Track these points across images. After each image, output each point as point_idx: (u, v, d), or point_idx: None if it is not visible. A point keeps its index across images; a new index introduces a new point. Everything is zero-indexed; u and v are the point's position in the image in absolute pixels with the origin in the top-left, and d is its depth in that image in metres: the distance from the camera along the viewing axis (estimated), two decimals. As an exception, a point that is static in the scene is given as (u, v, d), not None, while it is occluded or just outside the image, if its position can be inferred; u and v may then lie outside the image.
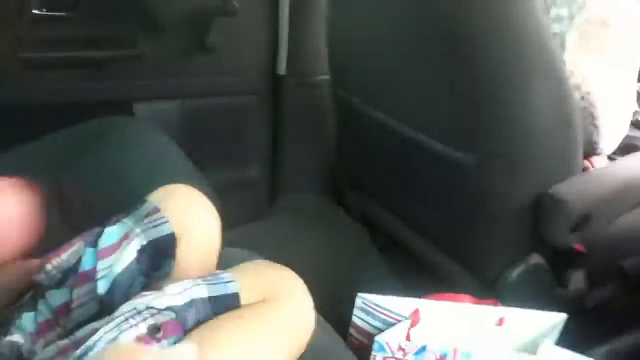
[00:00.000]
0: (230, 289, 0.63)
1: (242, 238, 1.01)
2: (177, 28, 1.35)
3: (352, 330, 0.93)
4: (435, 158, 1.07)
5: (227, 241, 0.83)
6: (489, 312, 0.88)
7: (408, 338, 0.85)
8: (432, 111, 1.07)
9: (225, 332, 0.58)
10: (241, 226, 1.46)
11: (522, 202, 0.99)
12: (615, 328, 1.11)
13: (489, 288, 1.03)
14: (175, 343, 0.56)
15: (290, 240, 1.35)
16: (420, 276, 1.19)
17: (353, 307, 0.93)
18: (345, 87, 1.33)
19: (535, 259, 1.02)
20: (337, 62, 1.36)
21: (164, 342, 0.56)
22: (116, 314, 0.57)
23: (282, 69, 1.48)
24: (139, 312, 0.56)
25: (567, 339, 0.94)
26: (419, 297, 0.93)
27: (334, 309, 0.88)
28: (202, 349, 0.54)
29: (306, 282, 0.69)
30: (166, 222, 0.73)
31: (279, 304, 0.63)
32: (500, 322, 0.87)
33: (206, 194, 0.92)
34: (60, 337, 0.61)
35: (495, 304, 0.90)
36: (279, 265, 0.70)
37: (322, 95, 1.46)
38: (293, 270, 0.70)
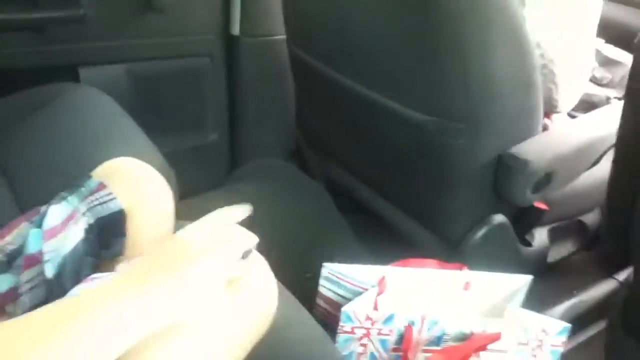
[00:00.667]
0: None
1: (201, 207, 0.97)
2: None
3: (318, 300, 0.91)
4: (396, 120, 1.05)
5: (186, 211, 0.79)
6: (454, 277, 0.88)
7: (376, 307, 0.84)
8: (393, 72, 1.04)
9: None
10: (201, 195, 1.42)
11: (484, 163, 0.99)
12: (576, 283, 1.13)
13: (454, 250, 1.03)
14: None
15: (253, 207, 1.31)
16: (386, 240, 1.18)
17: (319, 276, 0.91)
18: (303, 46, 1.28)
19: (499, 219, 1.02)
20: (292, 20, 1.31)
21: None
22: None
23: (235, 29, 1.41)
24: None
25: (531, 298, 0.95)
26: (386, 262, 0.92)
27: (298, 279, 0.86)
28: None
29: (269, 250, 0.66)
30: (113, 198, 0.69)
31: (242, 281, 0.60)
32: (466, 286, 0.87)
33: (160, 164, 0.88)
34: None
35: (460, 268, 0.90)
36: (240, 230, 0.67)
37: (279, 56, 1.41)
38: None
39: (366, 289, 0.86)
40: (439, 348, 0.82)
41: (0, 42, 1.22)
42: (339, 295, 0.88)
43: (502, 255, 1.06)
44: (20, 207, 0.92)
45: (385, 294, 0.85)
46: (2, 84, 1.11)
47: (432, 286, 0.86)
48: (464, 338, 0.81)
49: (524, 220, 1.10)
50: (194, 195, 1.35)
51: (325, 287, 0.89)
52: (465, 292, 0.87)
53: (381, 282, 0.86)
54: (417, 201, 1.11)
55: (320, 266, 0.91)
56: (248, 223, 0.63)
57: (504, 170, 0.98)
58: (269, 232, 0.95)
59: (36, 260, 0.65)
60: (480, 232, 1.01)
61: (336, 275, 0.88)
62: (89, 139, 0.99)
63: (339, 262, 0.90)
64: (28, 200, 0.91)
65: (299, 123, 1.44)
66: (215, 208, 0.96)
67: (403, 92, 1.02)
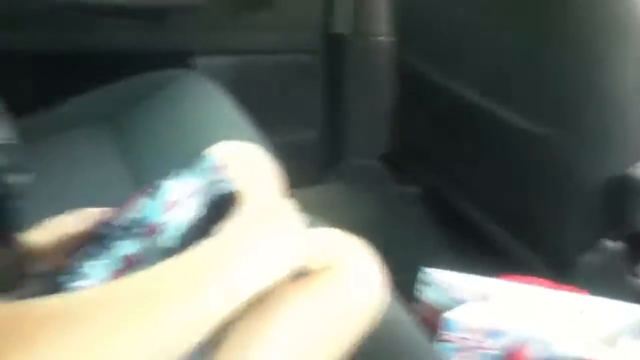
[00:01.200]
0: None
1: (295, 203, 0.97)
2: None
3: (413, 305, 0.88)
4: (509, 131, 1.01)
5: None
6: (569, 299, 0.82)
7: (477, 319, 0.80)
8: (511, 81, 1.00)
9: (293, 302, 0.54)
10: (295, 190, 1.42)
11: (605, 182, 0.93)
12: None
13: (558, 272, 0.98)
14: None
15: (344, 208, 1.30)
16: (481, 255, 1.13)
17: (409, 280, 0.89)
18: (412, 50, 1.26)
19: (614, 245, 0.96)
20: (402, 23, 1.29)
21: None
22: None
23: (343, 27, 1.41)
24: None
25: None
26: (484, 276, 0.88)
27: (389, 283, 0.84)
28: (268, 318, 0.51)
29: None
30: (226, 179, 0.70)
31: (350, 273, 0.59)
32: (580, 310, 0.81)
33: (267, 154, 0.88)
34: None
35: (574, 291, 0.85)
36: (348, 234, 0.66)
37: (384, 58, 1.40)
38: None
39: (467, 299, 0.82)
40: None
41: (120, 27, 1.28)
42: (437, 302, 0.85)
43: (613, 284, 0.99)
44: (138, 187, 0.95)
45: (490, 307, 0.81)
46: (122, 66, 1.16)
47: (544, 306, 0.82)
48: (575, 364, 0.76)
49: (636, 249, 1.03)
50: (288, 190, 1.36)
51: (423, 293, 0.86)
52: (578, 316, 0.81)
53: (486, 293, 0.82)
54: (522, 218, 1.06)
55: (409, 272, 0.88)
56: None
57: (625, 192, 0.91)
58: (360, 235, 0.93)
59: (153, 230, 0.67)
60: (593, 258, 0.95)
61: (436, 282, 0.85)
62: (201, 124, 1.02)
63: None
64: (145, 180, 0.95)
65: (396, 126, 1.42)
66: (309, 205, 0.96)
67: (522, 102, 0.98)
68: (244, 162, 0.76)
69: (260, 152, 0.79)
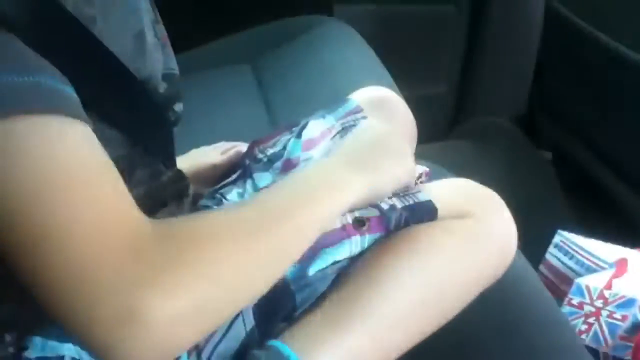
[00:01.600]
0: (421, 197, 0.59)
1: (421, 157, 0.97)
2: None
3: (541, 267, 0.86)
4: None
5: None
6: None
7: (609, 287, 0.77)
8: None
9: (430, 239, 0.55)
10: (421, 145, 1.41)
11: None
12: None
13: None
14: (375, 241, 0.54)
15: (470, 166, 1.27)
16: (612, 227, 1.07)
17: (541, 242, 0.86)
18: (565, 2, 1.18)
19: None
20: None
21: (367, 236, 0.54)
22: None
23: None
24: None
25: None
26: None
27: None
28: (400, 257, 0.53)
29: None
30: (365, 116, 0.71)
31: (486, 222, 0.59)
32: None
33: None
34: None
35: None
36: (479, 184, 0.65)
37: (531, 10, 1.32)
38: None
39: (601, 267, 0.79)
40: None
41: None
42: (567, 267, 0.82)
43: None
44: (276, 125, 1.00)
45: (624, 277, 0.78)
46: (265, 9, 1.20)
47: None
48: None
49: None
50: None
51: (553, 256, 0.84)
52: None
53: (622, 263, 0.78)
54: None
55: (541, 234, 0.85)
56: None
57: None
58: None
59: (294, 165, 0.70)
60: None
61: (570, 246, 0.82)
62: (340, 69, 1.04)
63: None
64: (283, 119, 0.99)
65: (537, 85, 1.35)
66: (436, 160, 0.95)
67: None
68: (384, 106, 0.76)
69: (400, 101, 0.79)
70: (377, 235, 0.55)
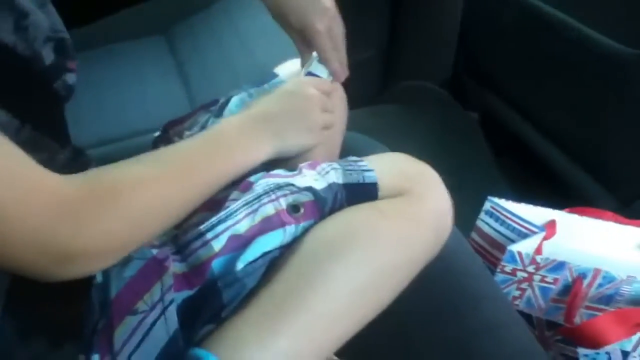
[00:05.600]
0: (367, 178, 0.57)
1: (351, 123, 0.94)
2: None
3: (473, 234, 0.86)
4: (595, 54, 0.92)
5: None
6: (637, 235, 0.78)
7: (539, 251, 0.77)
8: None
9: (366, 225, 0.52)
10: (352, 110, 1.38)
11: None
12: None
13: (625, 208, 0.92)
14: (310, 227, 0.51)
15: (400, 131, 1.26)
16: (541, 188, 1.08)
17: (471, 208, 0.85)
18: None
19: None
20: None
21: (303, 223, 0.51)
22: (256, 187, 0.52)
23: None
24: (279, 187, 0.52)
25: None
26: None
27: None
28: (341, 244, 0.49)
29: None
30: None
31: (422, 201, 0.56)
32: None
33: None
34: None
35: (643, 226, 0.80)
36: (416, 159, 0.63)
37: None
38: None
39: (532, 232, 0.79)
40: (608, 308, 0.75)
41: None
42: (498, 232, 0.82)
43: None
44: (191, 104, 0.93)
45: (554, 239, 0.78)
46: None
47: (610, 240, 0.78)
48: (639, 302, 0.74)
49: None
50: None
51: (484, 222, 0.83)
52: (648, 253, 0.77)
53: (551, 225, 0.79)
54: (592, 148, 1.00)
55: (472, 200, 0.84)
56: None
57: None
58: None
59: None
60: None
61: (500, 212, 0.81)
62: (259, 37, 0.98)
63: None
64: (200, 97, 0.93)
65: (463, 48, 1.34)
66: (365, 126, 0.92)
67: (609, 18, 0.89)
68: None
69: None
70: (311, 221, 0.52)
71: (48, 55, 0.49)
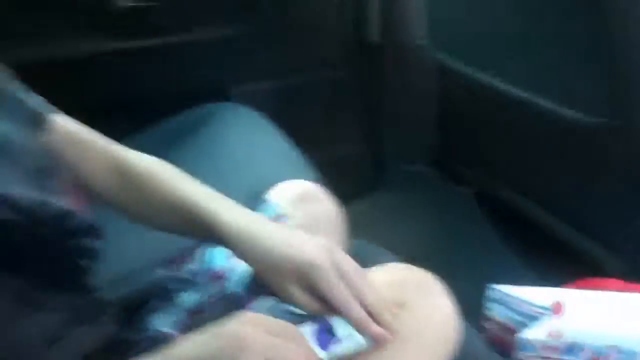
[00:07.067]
0: None
1: (348, 218, 0.96)
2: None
3: (484, 322, 0.86)
4: (561, 124, 0.96)
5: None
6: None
7: (553, 334, 0.77)
8: (559, 73, 0.96)
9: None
10: (346, 205, 1.41)
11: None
12: None
13: (633, 270, 0.93)
14: None
15: (398, 219, 1.28)
16: (548, 258, 1.09)
17: (476, 296, 0.86)
18: (449, 51, 1.23)
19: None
20: (437, 24, 1.26)
21: None
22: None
23: (373, 35, 1.38)
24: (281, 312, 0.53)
25: None
26: (556, 284, 0.85)
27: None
28: None
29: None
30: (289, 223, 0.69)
31: (425, 313, 0.57)
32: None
33: (314, 178, 0.87)
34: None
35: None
36: (416, 268, 0.64)
37: (421, 62, 1.36)
38: (403, 254, 0.66)
39: (539, 312, 0.79)
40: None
41: (156, 68, 1.27)
42: (508, 317, 0.82)
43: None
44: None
45: (563, 319, 0.78)
46: (161, 106, 1.16)
47: (621, 311, 0.78)
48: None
49: None
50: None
51: (492, 310, 0.84)
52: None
53: (557, 306, 0.79)
54: (588, 213, 1.02)
55: (476, 287, 0.85)
56: None
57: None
58: (416, 247, 0.90)
59: (219, 276, 0.67)
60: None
61: (504, 298, 0.82)
62: (252, 159, 1.01)
63: (501, 282, 0.84)
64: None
65: (444, 131, 1.38)
66: (362, 220, 0.94)
67: (568, 94, 0.94)
68: (307, 203, 0.75)
69: (321, 192, 0.78)
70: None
71: None
